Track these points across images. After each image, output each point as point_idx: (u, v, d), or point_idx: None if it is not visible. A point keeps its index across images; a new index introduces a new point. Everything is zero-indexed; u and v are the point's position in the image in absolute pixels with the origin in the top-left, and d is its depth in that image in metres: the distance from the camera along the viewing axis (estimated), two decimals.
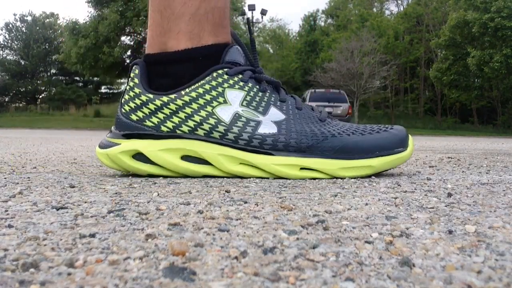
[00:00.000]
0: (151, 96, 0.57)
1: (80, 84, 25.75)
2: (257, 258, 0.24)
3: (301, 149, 0.57)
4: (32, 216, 0.34)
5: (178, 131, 0.56)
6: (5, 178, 0.60)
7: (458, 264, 0.23)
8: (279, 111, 0.59)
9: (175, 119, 0.56)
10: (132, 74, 0.59)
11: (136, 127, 0.57)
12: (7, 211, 0.36)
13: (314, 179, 0.58)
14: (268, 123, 0.57)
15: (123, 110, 0.59)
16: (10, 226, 0.31)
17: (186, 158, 0.57)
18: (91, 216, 0.34)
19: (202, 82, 0.56)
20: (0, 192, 0.47)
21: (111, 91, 27.43)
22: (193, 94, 0.56)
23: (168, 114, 0.56)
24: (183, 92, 0.56)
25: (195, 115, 0.56)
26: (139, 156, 0.57)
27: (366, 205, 0.41)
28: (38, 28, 24.91)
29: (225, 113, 0.56)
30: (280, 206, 0.39)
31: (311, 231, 0.30)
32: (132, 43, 14.56)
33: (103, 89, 27.18)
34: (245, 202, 0.41)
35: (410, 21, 21.91)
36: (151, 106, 0.56)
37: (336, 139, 0.58)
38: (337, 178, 0.58)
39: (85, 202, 0.41)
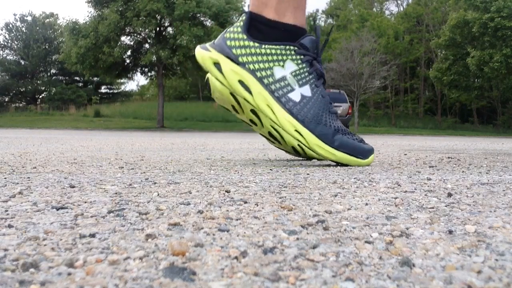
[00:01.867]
0: (244, 36, 0.82)
1: (80, 84, 25.74)
2: (257, 258, 0.24)
3: (303, 120, 0.80)
4: (32, 216, 0.34)
5: (246, 66, 0.82)
6: (5, 178, 0.60)
7: (458, 264, 0.23)
8: (310, 90, 0.83)
9: (249, 58, 0.82)
10: (241, 18, 0.85)
11: (226, 50, 0.82)
12: (7, 211, 0.36)
13: (299, 141, 0.80)
14: (298, 93, 0.82)
15: (225, 36, 0.84)
16: (10, 226, 0.31)
17: (240, 82, 0.81)
18: (91, 216, 0.34)
19: (277, 46, 0.81)
20: (0, 192, 0.47)
21: (111, 91, 27.44)
22: (268, 50, 0.81)
23: (247, 52, 0.82)
24: (263, 46, 0.82)
25: (260, 63, 0.81)
26: (217, 65, 0.82)
27: (366, 205, 0.41)
28: (38, 28, 24.89)
29: (278, 72, 0.82)
30: (280, 206, 0.39)
31: (311, 231, 0.30)
32: (132, 43, 14.53)
33: (103, 89, 27.19)
34: (245, 202, 0.41)
35: (410, 21, 21.91)
36: (241, 42, 0.82)
37: (325, 128, 0.81)
38: (310, 149, 0.80)
39: (85, 202, 0.41)
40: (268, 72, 0.81)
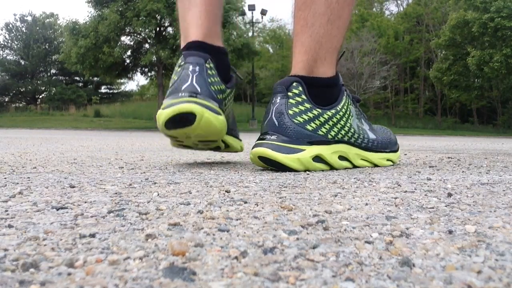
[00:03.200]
0: (320, 110, 0.71)
1: (80, 84, 25.76)
2: (257, 258, 0.24)
3: (378, 149, 0.82)
4: (32, 216, 0.34)
5: (336, 138, 0.72)
6: (5, 178, 0.60)
7: (458, 264, 0.23)
8: (364, 122, 0.82)
9: (335, 129, 0.72)
10: (297, 90, 0.69)
11: (312, 135, 0.69)
12: (7, 211, 0.36)
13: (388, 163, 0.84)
14: (367, 129, 0.80)
15: (295, 121, 0.68)
16: (10, 226, 0.31)
17: (340, 157, 0.74)
18: (91, 216, 0.34)
19: (343, 99, 0.74)
20: (0, 192, 0.47)
21: (111, 91, 27.46)
22: (344, 109, 0.74)
23: (331, 124, 0.71)
24: (338, 108, 0.73)
25: (339, 127, 0.73)
26: (317, 158, 0.70)
27: (366, 205, 0.41)
28: (38, 28, 24.89)
29: (354, 124, 0.76)
30: (280, 206, 0.39)
31: (311, 231, 0.30)
32: (132, 43, 14.53)
33: (103, 89, 27.21)
34: (245, 202, 0.41)
35: (410, 21, 21.90)
36: (322, 119, 0.71)
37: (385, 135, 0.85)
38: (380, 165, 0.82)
39: (85, 202, 0.41)
40: (353, 130, 0.76)
